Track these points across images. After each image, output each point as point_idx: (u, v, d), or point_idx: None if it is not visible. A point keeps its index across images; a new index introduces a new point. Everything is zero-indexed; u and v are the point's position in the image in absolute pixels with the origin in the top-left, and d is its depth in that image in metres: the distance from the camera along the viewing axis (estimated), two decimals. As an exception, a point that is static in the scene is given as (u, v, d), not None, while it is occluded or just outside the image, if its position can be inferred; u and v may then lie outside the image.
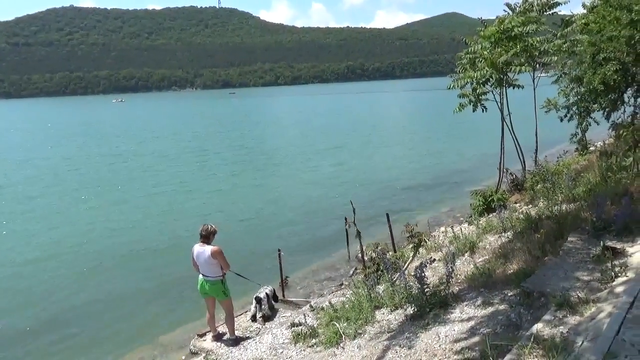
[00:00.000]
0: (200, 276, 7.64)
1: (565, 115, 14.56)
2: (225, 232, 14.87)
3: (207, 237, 7.60)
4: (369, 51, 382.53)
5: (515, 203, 12.65)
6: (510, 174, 14.31)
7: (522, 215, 8.15)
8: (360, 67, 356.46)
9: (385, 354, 4.78)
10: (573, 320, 3.83)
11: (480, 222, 9.96)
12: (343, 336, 5.83)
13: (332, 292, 9.98)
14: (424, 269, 5.78)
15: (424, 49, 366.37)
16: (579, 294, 4.17)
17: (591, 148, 16.69)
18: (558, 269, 4.87)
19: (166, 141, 41.51)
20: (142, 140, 42.63)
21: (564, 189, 9.17)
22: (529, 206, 11.10)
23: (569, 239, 5.71)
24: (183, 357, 8.04)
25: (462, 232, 9.59)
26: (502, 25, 10.86)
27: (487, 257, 7.13)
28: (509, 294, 5.08)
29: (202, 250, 7.52)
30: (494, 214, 10.00)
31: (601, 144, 16.00)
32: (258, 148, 34.09)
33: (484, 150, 25.75)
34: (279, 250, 10.32)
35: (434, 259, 6.34)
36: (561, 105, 14.64)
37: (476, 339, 4.26)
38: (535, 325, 3.83)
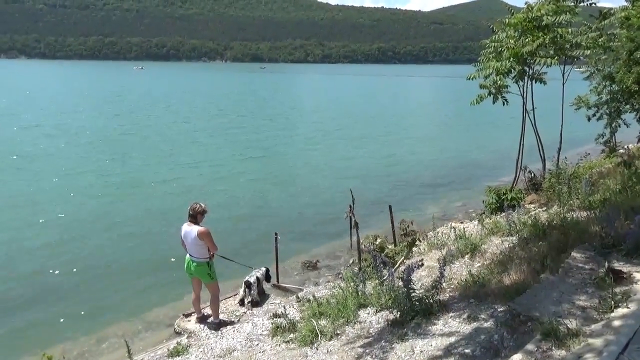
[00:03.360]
0: (187, 256, 7.41)
1: (594, 115, 13.74)
2: (229, 212, 14.75)
3: (194, 217, 7.32)
4: (402, 33, 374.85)
5: (531, 204, 12.02)
6: (529, 172, 13.62)
7: (530, 220, 7.58)
8: (392, 49, 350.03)
9: (354, 363, 4.44)
10: (557, 354, 3.38)
11: (487, 222, 9.42)
12: (319, 335, 5.49)
13: (328, 282, 9.66)
14: (412, 272, 5.36)
15: (458, 35, 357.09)
16: (569, 324, 3.69)
17: (620, 150, 15.78)
18: (553, 290, 4.38)
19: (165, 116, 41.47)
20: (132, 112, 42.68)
21: (581, 194, 8.54)
22: (543, 209, 10.50)
23: (572, 254, 5.18)
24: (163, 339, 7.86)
25: (465, 231, 9.10)
26: (530, 13, 10.06)
27: (486, 262, 6.66)
28: (499, 310, 4.64)
29: (189, 230, 7.26)
30: (504, 214, 9.46)
31: (627, 148, 15.06)
32: (281, 128, 33.47)
33: (509, 144, 24.89)
34: (275, 234, 10.01)
35: (422, 263, 5.92)
36: (592, 104, 13.80)
37: (450, 360, 3.87)
38: (514, 356, 3.40)
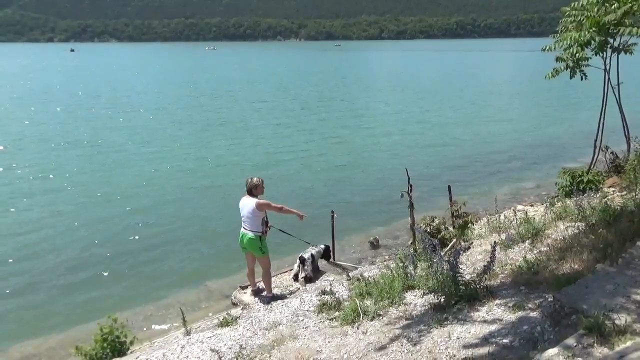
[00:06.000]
0: (242, 229, 7.62)
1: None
2: (292, 189, 14.97)
3: (250, 191, 7.53)
4: (482, 5, 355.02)
5: (610, 187, 11.08)
6: (612, 153, 12.50)
7: (600, 205, 6.98)
8: (472, 22, 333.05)
9: (389, 346, 4.37)
10: (598, 352, 3.07)
11: (557, 206, 8.82)
12: (361, 315, 5.48)
13: (385, 261, 9.57)
14: (458, 255, 5.16)
15: (545, 4, 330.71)
16: (618, 319, 3.35)
17: None
18: (608, 281, 3.98)
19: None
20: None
21: (666, 178, 7.70)
22: (623, 193, 9.63)
23: (638, 243, 4.69)
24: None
25: (531, 215, 8.59)
26: (617, -24, 9.03)
27: (546, 248, 6.25)
28: (549, 300, 4.34)
29: (246, 202, 7.50)
30: (576, 197, 8.80)
31: None
32: (350, 106, 33.17)
33: (593, 122, 23.01)
34: (332, 212, 10.04)
35: (469, 246, 5.66)
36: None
37: (484, 350, 3.67)
38: (549, 351, 3.15)
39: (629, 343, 3.04)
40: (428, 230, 8.73)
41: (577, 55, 9.99)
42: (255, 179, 7.54)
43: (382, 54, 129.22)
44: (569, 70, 10.64)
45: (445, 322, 4.62)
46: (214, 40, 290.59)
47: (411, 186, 9.74)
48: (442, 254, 5.72)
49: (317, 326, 5.72)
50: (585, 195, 7.88)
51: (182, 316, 6.56)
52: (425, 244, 6.04)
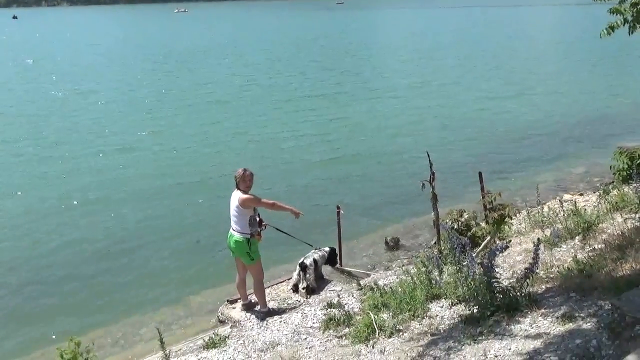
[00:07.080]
0: (230, 229, 7.66)
1: None
2: (290, 180, 15.01)
3: (237, 184, 7.58)
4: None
5: (678, 170, 11.15)
6: (679, 127, 12.57)
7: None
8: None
9: (411, 368, 4.43)
10: (668, 369, 3.12)
11: (613, 194, 8.86)
12: (377, 331, 5.54)
13: (403, 265, 9.64)
14: (494, 257, 5.19)
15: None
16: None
17: None
18: (677, 285, 4.02)
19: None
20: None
21: None
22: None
23: None
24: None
25: (581, 205, 8.63)
26: None
27: (600, 246, 6.30)
28: (606, 308, 4.39)
29: (233, 197, 7.57)
30: (637, 183, 8.86)
31: None
32: (362, 77, 33.18)
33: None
34: (337, 208, 10.08)
35: (507, 246, 5.69)
36: None
37: (529, 371, 3.72)
38: (608, 369, 3.19)
39: None
40: (456, 226, 8.79)
41: (638, 5, 9.93)
42: (239, 170, 7.56)
43: (397, 12, 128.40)
44: (626, 25, 10.58)
45: (480, 338, 4.67)
46: (185, 0, 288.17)
47: (434, 174, 9.76)
48: (473, 255, 5.77)
49: (324, 345, 5.80)
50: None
51: (159, 337, 6.59)
52: (452, 243, 6.08)
